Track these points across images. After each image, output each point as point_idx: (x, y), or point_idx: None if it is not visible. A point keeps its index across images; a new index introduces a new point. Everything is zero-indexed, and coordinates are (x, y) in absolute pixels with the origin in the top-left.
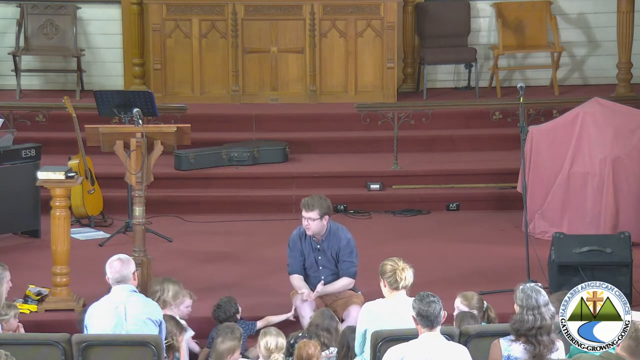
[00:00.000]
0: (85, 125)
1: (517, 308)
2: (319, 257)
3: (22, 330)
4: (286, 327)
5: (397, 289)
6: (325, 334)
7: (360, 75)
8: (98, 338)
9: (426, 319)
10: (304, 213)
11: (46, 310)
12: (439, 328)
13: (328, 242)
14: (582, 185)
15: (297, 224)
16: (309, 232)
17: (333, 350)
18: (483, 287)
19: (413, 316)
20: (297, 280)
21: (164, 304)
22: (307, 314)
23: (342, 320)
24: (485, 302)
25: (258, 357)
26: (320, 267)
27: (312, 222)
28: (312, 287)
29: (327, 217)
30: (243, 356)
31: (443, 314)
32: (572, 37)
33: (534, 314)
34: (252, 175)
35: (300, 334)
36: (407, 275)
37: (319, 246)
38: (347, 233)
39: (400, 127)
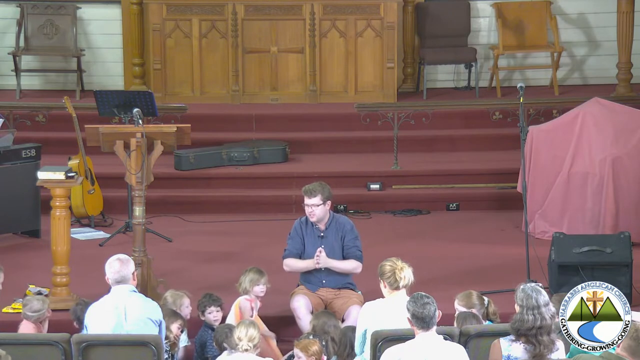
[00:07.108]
0: (85, 125)
1: (517, 308)
2: (322, 246)
3: (45, 326)
4: (286, 329)
5: (397, 288)
6: (328, 335)
7: (360, 75)
8: (98, 338)
9: (421, 321)
10: (307, 200)
11: None
12: (434, 328)
13: (332, 228)
14: (582, 185)
15: None
16: (313, 219)
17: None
18: (483, 287)
19: (408, 318)
20: (292, 260)
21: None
22: (303, 315)
23: (342, 320)
24: (485, 297)
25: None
26: None
27: (316, 208)
28: (311, 282)
29: (329, 202)
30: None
31: (438, 314)
32: (572, 37)
33: (534, 314)
34: (252, 175)
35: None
36: (407, 274)
37: (322, 234)
38: (348, 219)
39: (400, 127)
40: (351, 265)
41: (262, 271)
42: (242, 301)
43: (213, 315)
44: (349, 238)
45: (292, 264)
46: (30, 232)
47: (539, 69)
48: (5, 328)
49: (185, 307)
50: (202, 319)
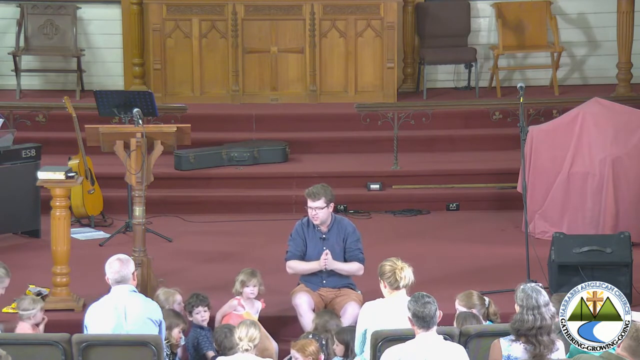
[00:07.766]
0: (85, 125)
1: (517, 308)
2: (324, 248)
3: (41, 327)
4: (286, 329)
5: (397, 288)
6: (329, 333)
7: (360, 75)
8: (98, 338)
9: (422, 320)
10: (310, 203)
11: (46, 310)
12: (434, 328)
13: (334, 230)
14: (582, 185)
15: None
16: (316, 222)
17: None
18: (483, 287)
19: (409, 317)
20: (296, 262)
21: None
22: (305, 312)
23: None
24: (486, 298)
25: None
26: None
27: (320, 210)
28: (311, 282)
29: (332, 204)
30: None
31: (439, 314)
32: (572, 37)
33: (534, 314)
34: (252, 175)
35: (309, 337)
36: (407, 274)
37: (324, 236)
38: (350, 221)
39: (400, 127)
40: (354, 268)
41: (254, 273)
42: (231, 301)
43: (201, 315)
44: (351, 240)
45: (296, 265)
46: (30, 232)
47: (539, 69)
48: (5, 328)
49: (177, 305)
50: (190, 319)
